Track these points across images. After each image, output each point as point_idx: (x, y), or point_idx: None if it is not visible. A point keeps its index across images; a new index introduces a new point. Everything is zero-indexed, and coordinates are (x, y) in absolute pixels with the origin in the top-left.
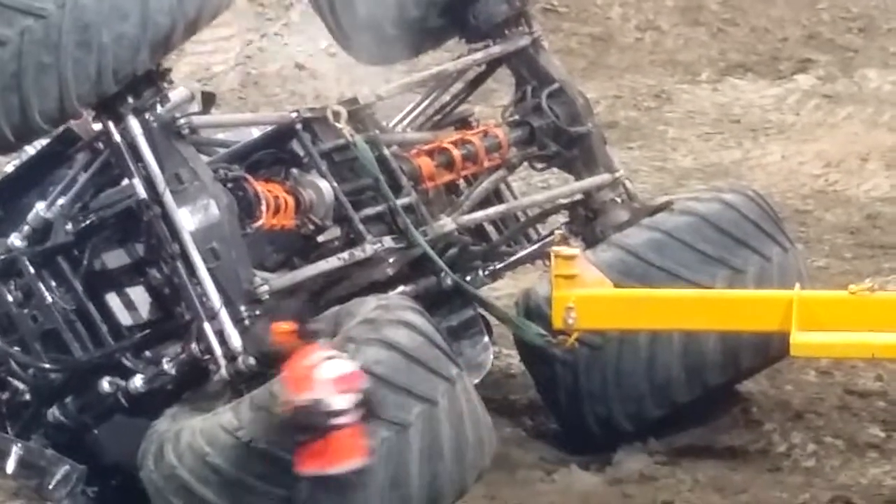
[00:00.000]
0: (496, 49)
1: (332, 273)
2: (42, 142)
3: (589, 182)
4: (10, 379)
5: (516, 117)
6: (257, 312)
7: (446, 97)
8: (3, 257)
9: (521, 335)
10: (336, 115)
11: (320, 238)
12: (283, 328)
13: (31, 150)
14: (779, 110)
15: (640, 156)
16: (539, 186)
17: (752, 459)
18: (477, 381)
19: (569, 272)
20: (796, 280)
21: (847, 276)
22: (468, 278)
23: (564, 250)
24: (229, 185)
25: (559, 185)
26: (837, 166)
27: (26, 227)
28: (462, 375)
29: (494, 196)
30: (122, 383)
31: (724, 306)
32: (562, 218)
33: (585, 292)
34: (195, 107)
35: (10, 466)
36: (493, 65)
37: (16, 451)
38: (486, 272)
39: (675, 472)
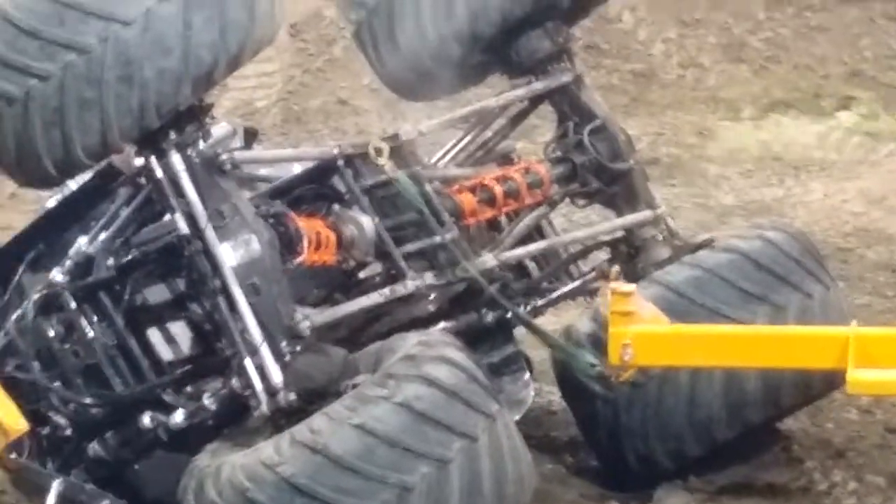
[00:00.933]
0: (538, 85)
1: (372, 309)
2: (84, 176)
3: (630, 219)
4: (51, 414)
5: (558, 154)
6: (298, 348)
7: (488, 133)
8: (45, 292)
9: (573, 364)
10: (378, 150)
11: (361, 274)
12: None
13: (72, 184)
14: (821, 148)
15: (682, 193)
16: (580, 223)
17: (793, 497)
18: (518, 417)
19: (626, 309)
20: (837, 317)
21: (890, 315)
22: (509, 315)
23: (622, 287)
24: (271, 220)
25: (600, 222)
26: (880, 204)
27: (68, 262)
28: (502, 412)
29: (536, 232)
30: (163, 418)
31: (780, 343)
32: (603, 255)
33: (643, 328)
34: (237, 142)
35: (51, 502)
36: (535, 101)
37: (56, 486)
38: (528, 308)
39: None
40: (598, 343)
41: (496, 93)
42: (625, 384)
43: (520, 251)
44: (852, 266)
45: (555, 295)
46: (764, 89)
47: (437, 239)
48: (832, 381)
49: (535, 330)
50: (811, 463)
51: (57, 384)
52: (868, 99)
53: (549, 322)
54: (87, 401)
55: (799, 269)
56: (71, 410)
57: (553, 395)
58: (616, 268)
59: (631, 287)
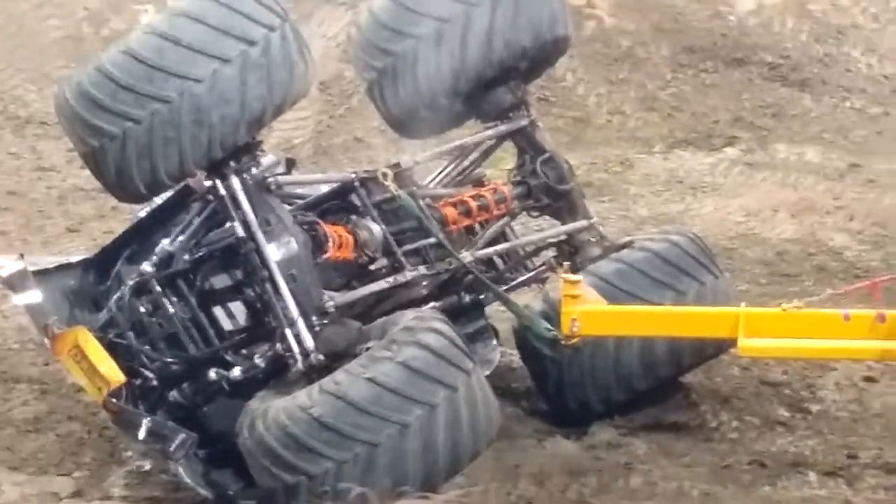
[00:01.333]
0: (503, 128)
1: (380, 293)
2: (166, 194)
3: (571, 226)
4: (141, 370)
5: (518, 178)
6: (325, 321)
7: (466, 163)
8: (137, 280)
9: (533, 329)
10: (385, 175)
11: (372, 267)
12: None
13: (158, 200)
14: (712, 174)
15: (609, 207)
16: (534, 229)
17: (691, 432)
18: (487, 373)
19: (574, 293)
20: (724, 300)
21: (764, 297)
22: (481, 297)
23: (571, 277)
24: (305, 227)
25: (549, 229)
26: (756, 216)
27: (154, 257)
28: (476, 369)
29: (501, 236)
30: (225, 373)
31: (689, 318)
32: (551, 253)
33: (587, 308)
34: (280, 169)
35: (142, 434)
36: (500, 139)
37: (145, 423)
38: (491, 293)
39: (633, 441)
40: (547, 317)
41: (472, 133)
42: (568, 348)
43: (489, 250)
44: (735, 262)
45: (515, 283)
46: (670, 131)
47: (430, 240)
48: (720, 347)
49: (507, 303)
50: (704, 407)
51: (146, 348)
52: (747, 138)
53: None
54: (169, 360)
55: (695, 264)
56: (156, 367)
57: (513, 357)
58: (567, 264)
59: (578, 277)
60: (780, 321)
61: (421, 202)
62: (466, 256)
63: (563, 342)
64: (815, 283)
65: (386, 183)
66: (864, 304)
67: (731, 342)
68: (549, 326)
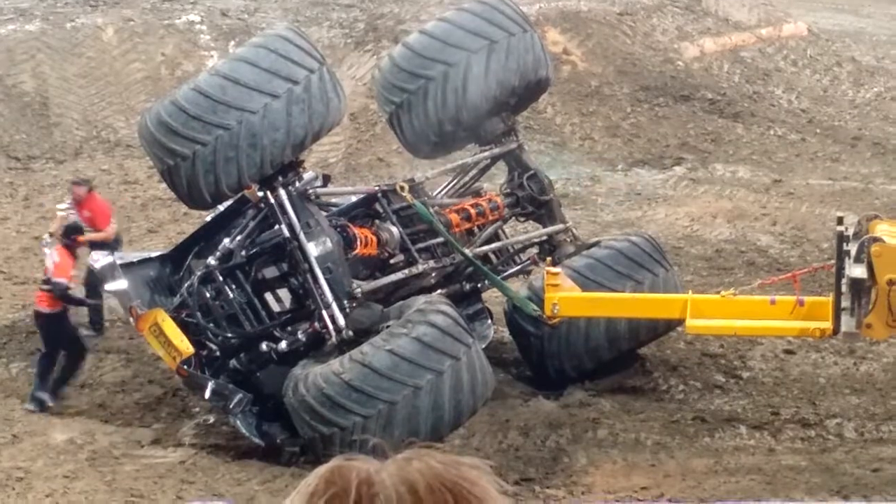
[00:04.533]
0: (497, 150)
1: (398, 282)
2: (227, 203)
3: (551, 229)
4: (207, 343)
5: (508, 190)
6: (354, 305)
7: (466, 178)
8: (204, 271)
9: (523, 308)
10: (402, 188)
11: (391, 261)
12: None
13: (221, 207)
14: (663, 188)
15: (581, 214)
16: (521, 231)
17: (646, 394)
18: (483, 346)
19: (555, 282)
20: (673, 289)
21: (704, 287)
22: (479, 284)
23: (553, 269)
24: (338, 229)
25: (533, 231)
26: (698, 221)
27: (218, 253)
28: (475, 343)
29: (495, 237)
30: (274, 346)
31: (648, 303)
32: (534, 250)
33: (565, 294)
34: (318, 182)
35: (207, 394)
36: (495, 159)
37: (210, 385)
38: (489, 281)
39: (600, 401)
40: (531, 300)
41: (471, 154)
42: (548, 326)
43: (486, 248)
44: (682, 258)
45: (506, 274)
46: (629, 153)
47: (438, 240)
48: (670, 325)
49: (502, 288)
50: (657, 373)
51: (211, 325)
52: (692, 159)
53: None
54: (229, 335)
55: (650, 259)
56: (219, 341)
57: (504, 333)
58: (548, 259)
59: (558, 269)
60: (719, 305)
61: (431, 209)
62: (467, 253)
63: (545, 321)
64: (745, 274)
65: (403, 194)
66: (785, 292)
67: (680, 322)
68: (536, 308)
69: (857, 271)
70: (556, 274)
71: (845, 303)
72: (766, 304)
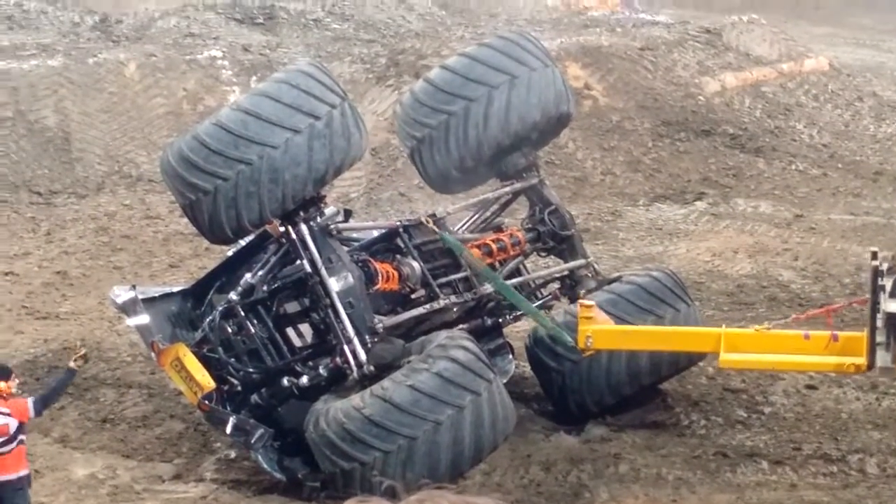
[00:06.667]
0: (518, 185)
1: (419, 317)
2: (249, 238)
3: (572, 264)
4: (229, 377)
5: (529, 225)
6: (376, 339)
7: (488, 213)
8: (226, 305)
9: (557, 338)
10: (428, 221)
11: (413, 296)
12: None
13: (242, 242)
14: (685, 222)
15: (602, 248)
16: (542, 266)
17: (668, 429)
18: (505, 381)
19: (588, 315)
20: (694, 324)
21: (725, 322)
22: (500, 319)
23: (587, 301)
24: (359, 264)
25: (554, 266)
26: (720, 256)
27: (239, 288)
28: (496, 378)
29: (516, 272)
30: (295, 381)
31: (679, 336)
32: (555, 285)
33: (598, 327)
34: (340, 217)
35: (229, 429)
36: (516, 194)
37: (232, 420)
38: (511, 316)
39: (621, 437)
40: (554, 338)
41: (493, 189)
42: (571, 361)
43: (508, 283)
44: (703, 293)
45: None
46: (651, 188)
47: (460, 274)
48: (691, 360)
49: (536, 315)
50: (678, 409)
51: (232, 360)
52: (713, 194)
53: (522, 326)
54: (250, 370)
55: (672, 295)
56: (241, 376)
57: (525, 368)
58: (583, 291)
59: (592, 302)
60: (753, 340)
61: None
62: (488, 287)
63: (579, 351)
64: (767, 310)
65: (431, 227)
66: (808, 326)
67: (702, 357)
68: (570, 339)
69: (893, 306)
70: (590, 307)
71: (880, 338)
72: (799, 338)
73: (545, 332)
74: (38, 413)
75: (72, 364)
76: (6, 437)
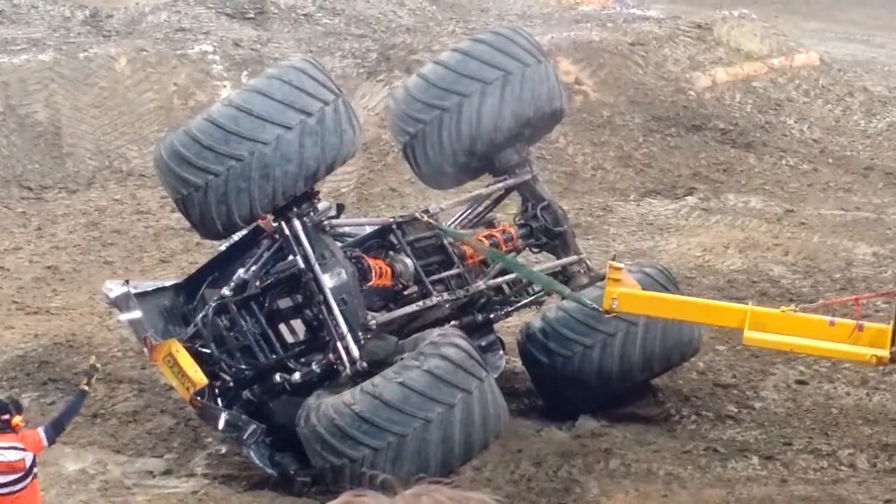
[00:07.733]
0: (511, 181)
1: (412, 313)
2: (241, 233)
3: (565, 260)
4: (221, 373)
5: (522, 221)
6: (368, 336)
7: (480, 209)
8: (218, 301)
9: (578, 302)
10: (422, 217)
11: (406, 292)
12: None
13: (235, 237)
14: (675, 218)
15: (594, 244)
16: (535, 262)
17: (658, 424)
18: (496, 376)
19: (616, 277)
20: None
21: None
22: (492, 315)
23: (616, 264)
24: (353, 260)
25: (547, 261)
26: (710, 251)
27: (232, 283)
28: (488, 375)
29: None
30: (288, 377)
31: (706, 309)
32: None
33: (625, 290)
34: (333, 213)
35: (220, 425)
36: (508, 190)
37: (223, 416)
38: (503, 312)
39: (612, 432)
40: (544, 333)
41: (485, 185)
42: (568, 356)
43: (500, 279)
44: (694, 287)
45: (519, 305)
46: (642, 183)
47: (453, 271)
48: (683, 357)
49: (550, 283)
50: (669, 404)
51: (224, 356)
52: (704, 189)
53: (514, 321)
54: (243, 366)
55: (663, 290)
56: (233, 372)
57: (516, 363)
58: (614, 253)
59: (621, 265)
60: (778, 320)
61: (446, 240)
62: (481, 284)
63: (598, 308)
64: (757, 304)
65: (425, 220)
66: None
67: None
68: (591, 301)
69: None
70: (619, 269)
71: None
72: (825, 324)
73: (525, 332)
74: (51, 442)
75: (83, 386)
76: (23, 473)
